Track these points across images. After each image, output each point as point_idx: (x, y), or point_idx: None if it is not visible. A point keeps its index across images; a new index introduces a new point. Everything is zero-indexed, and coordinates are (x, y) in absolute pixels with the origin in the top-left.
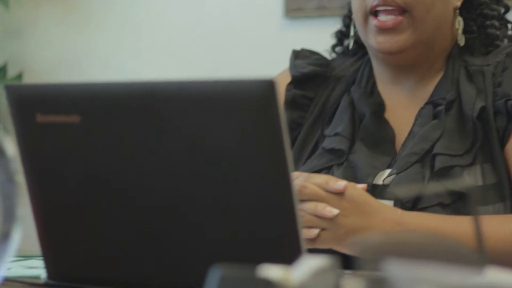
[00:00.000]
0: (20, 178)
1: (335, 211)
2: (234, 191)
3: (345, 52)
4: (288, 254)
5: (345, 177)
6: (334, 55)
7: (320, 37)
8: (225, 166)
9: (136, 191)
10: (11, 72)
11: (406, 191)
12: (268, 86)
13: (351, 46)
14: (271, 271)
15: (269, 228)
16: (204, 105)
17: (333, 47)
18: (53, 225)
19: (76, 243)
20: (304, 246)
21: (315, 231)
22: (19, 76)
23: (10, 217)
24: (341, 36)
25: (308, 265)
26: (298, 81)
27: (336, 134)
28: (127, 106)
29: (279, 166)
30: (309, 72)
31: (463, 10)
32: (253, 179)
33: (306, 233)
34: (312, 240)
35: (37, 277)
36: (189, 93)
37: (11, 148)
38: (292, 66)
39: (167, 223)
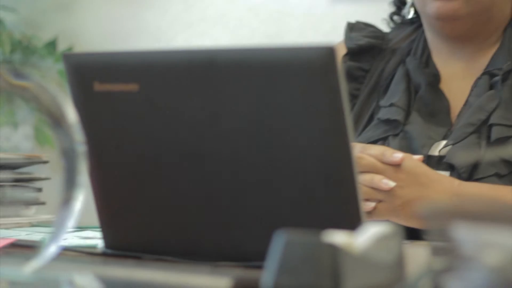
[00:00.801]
0: (79, 147)
1: (391, 184)
2: (295, 157)
3: (404, 21)
4: (349, 222)
5: (401, 147)
6: (391, 24)
7: (369, 11)
8: (286, 132)
9: (195, 159)
10: (61, 46)
11: (462, 159)
12: (328, 52)
13: (411, 14)
14: (335, 236)
15: (330, 195)
16: (264, 72)
17: (391, 15)
18: (112, 193)
19: (135, 212)
20: (364, 214)
21: (372, 204)
22: (69, 50)
23: (71, 184)
24: (400, 4)
25: (372, 231)
26: (353, 53)
27: (392, 105)
28: (186, 74)
29: (339, 131)
30: (365, 44)
31: None
32: (313, 146)
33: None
34: (369, 212)
35: (94, 247)
36: (249, 60)
37: (72, 116)
38: (348, 38)
39: (227, 190)
